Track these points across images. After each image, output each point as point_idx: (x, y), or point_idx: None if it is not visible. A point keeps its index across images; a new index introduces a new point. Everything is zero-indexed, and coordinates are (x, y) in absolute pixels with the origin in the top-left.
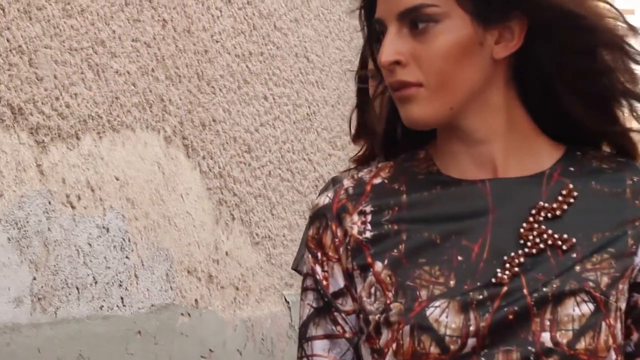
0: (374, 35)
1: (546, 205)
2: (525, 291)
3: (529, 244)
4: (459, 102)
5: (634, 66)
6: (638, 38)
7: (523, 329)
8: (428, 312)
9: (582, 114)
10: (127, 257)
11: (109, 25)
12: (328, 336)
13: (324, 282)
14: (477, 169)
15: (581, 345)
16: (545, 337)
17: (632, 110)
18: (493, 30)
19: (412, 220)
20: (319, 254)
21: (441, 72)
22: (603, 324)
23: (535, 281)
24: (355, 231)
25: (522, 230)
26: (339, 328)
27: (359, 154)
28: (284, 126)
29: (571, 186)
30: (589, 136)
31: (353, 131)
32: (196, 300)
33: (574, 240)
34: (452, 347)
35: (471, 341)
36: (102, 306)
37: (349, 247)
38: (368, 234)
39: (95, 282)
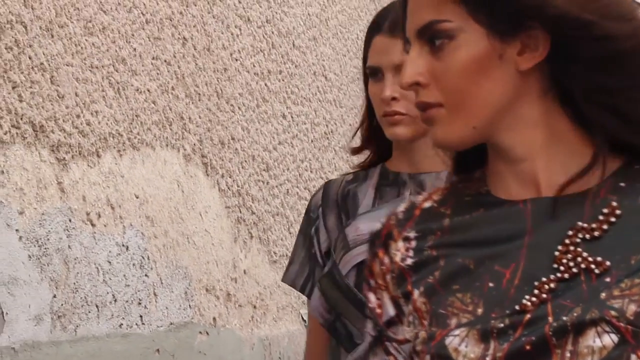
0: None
1: (585, 225)
2: (550, 319)
3: (562, 268)
4: (483, 121)
5: None
6: None
7: None
8: (447, 341)
9: (623, 125)
10: (146, 275)
11: (129, 43)
12: None
13: (378, 311)
14: (521, 188)
15: None
16: None
17: None
18: (513, 41)
19: (450, 245)
20: (372, 282)
21: (458, 90)
22: (633, 356)
23: (561, 309)
24: (398, 258)
25: (557, 253)
26: (391, 358)
27: (367, 160)
28: (302, 145)
29: (614, 204)
30: None
31: (359, 140)
32: (214, 319)
33: (607, 263)
34: None
35: None
36: (122, 324)
37: (394, 275)
38: (409, 261)
39: (115, 300)
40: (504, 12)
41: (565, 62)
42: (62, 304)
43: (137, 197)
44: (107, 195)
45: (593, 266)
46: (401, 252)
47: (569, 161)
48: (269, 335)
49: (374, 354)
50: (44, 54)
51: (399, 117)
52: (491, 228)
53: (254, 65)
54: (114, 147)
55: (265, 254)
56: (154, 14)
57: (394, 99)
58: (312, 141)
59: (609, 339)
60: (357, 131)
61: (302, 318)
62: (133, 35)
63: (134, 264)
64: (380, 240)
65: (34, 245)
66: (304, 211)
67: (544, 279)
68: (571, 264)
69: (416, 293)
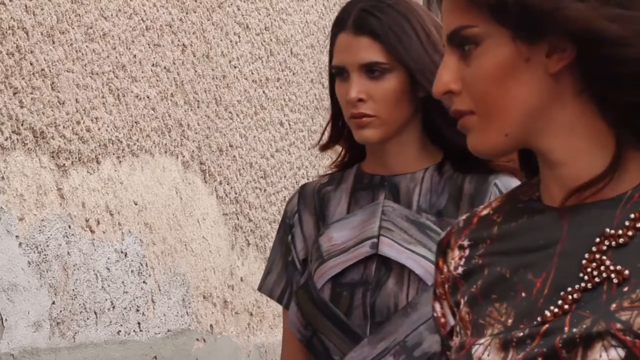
0: None
1: (612, 232)
2: (565, 330)
3: (586, 277)
4: (515, 127)
5: None
6: None
7: None
8: (473, 350)
9: None
10: (144, 282)
11: (129, 49)
12: None
13: (442, 320)
14: (562, 193)
15: None
16: None
17: None
18: (540, 43)
19: (494, 254)
20: (437, 290)
21: (487, 97)
22: None
23: (579, 320)
24: (452, 267)
25: (584, 262)
26: None
27: (339, 160)
28: (299, 152)
29: None
30: None
31: (326, 137)
32: (211, 326)
33: (626, 272)
34: None
35: None
36: (120, 331)
37: (449, 284)
38: (460, 270)
39: (113, 307)
40: (527, 16)
41: (593, 61)
42: (60, 311)
43: (135, 204)
44: (106, 201)
45: (613, 275)
46: (455, 260)
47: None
48: (265, 343)
49: None
50: (45, 60)
51: (366, 119)
52: (529, 236)
53: (252, 73)
54: (114, 154)
55: (262, 262)
56: (154, 21)
57: (360, 100)
58: (309, 149)
59: (616, 354)
60: (324, 131)
61: None
62: (133, 41)
63: (132, 271)
64: (441, 248)
65: (34, 252)
66: None
67: (569, 289)
68: (595, 272)
69: (462, 302)
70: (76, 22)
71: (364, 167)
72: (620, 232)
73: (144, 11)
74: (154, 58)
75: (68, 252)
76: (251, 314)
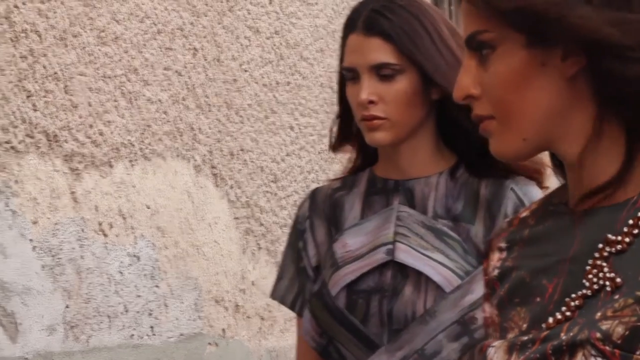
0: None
1: (613, 238)
2: (561, 336)
3: (587, 284)
4: (533, 132)
5: None
6: None
7: None
8: (488, 352)
9: None
10: (157, 285)
11: (141, 53)
12: None
13: (489, 320)
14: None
15: None
16: None
17: None
18: (554, 48)
19: (521, 257)
20: (486, 291)
21: (504, 102)
22: None
23: (574, 327)
24: (491, 268)
25: (587, 268)
26: None
27: (353, 165)
28: (309, 156)
29: None
30: None
31: (336, 139)
32: (223, 330)
33: (618, 280)
34: None
35: None
36: (133, 335)
37: (490, 286)
38: (496, 272)
39: (126, 311)
40: (537, 22)
41: (600, 66)
42: (74, 314)
43: (148, 208)
44: (119, 205)
45: (607, 283)
46: (494, 262)
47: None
48: (276, 347)
49: None
50: (57, 63)
51: (377, 121)
52: (550, 240)
53: (262, 77)
54: (126, 157)
55: (273, 266)
56: (166, 24)
57: (371, 102)
58: (319, 153)
59: None
60: (332, 131)
61: None
62: (145, 45)
63: (145, 275)
64: (487, 250)
65: (47, 255)
66: None
67: (573, 295)
68: (595, 279)
69: (493, 305)
70: (88, 25)
71: (376, 170)
72: (619, 237)
73: (156, 15)
74: (165, 62)
75: (81, 256)
76: (262, 318)
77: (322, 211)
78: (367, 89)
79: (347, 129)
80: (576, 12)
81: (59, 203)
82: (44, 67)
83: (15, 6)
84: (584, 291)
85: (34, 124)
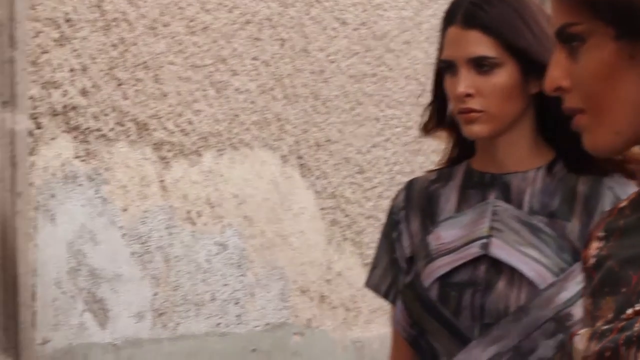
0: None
1: None
2: (635, 328)
3: None
4: (625, 125)
5: None
6: None
7: None
8: (574, 340)
9: None
10: (244, 275)
11: (230, 43)
12: None
13: (585, 309)
14: None
15: None
16: None
17: None
18: None
19: (614, 247)
20: (585, 281)
21: (593, 95)
22: None
23: None
24: (588, 257)
25: None
26: None
27: (449, 157)
28: (395, 148)
29: None
30: None
31: (429, 122)
32: (309, 320)
33: None
34: None
35: None
36: (220, 323)
37: (587, 275)
38: (592, 261)
39: (214, 299)
40: (627, 14)
41: None
42: (162, 302)
43: (235, 197)
44: (207, 194)
45: None
46: (591, 251)
47: None
48: (360, 338)
49: None
50: (147, 52)
51: (474, 114)
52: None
53: (349, 68)
54: (214, 147)
55: (358, 257)
56: (254, 15)
57: (468, 95)
58: (404, 145)
59: None
60: (424, 115)
61: None
62: (233, 35)
63: (232, 264)
64: (588, 239)
65: (137, 243)
66: None
67: None
68: None
69: (587, 294)
70: (178, 14)
71: (473, 164)
72: None
73: (244, 5)
74: (253, 52)
75: (170, 244)
76: (347, 309)
77: (418, 203)
78: (465, 82)
79: (441, 115)
80: None
81: (148, 191)
82: (134, 55)
83: None
84: None
85: (124, 112)
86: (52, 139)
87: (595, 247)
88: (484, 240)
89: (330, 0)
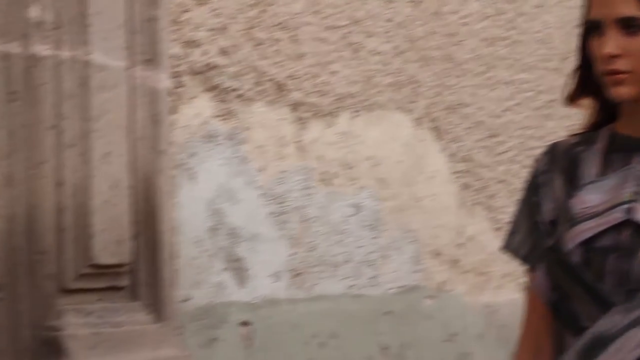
0: None
1: None
2: None
3: None
4: None
5: None
6: None
7: None
8: None
9: None
10: (377, 237)
11: (365, 4)
12: None
13: None
14: None
15: None
16: None
17: None
18: None
19: None
20: None
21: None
22: None
23: None
24: None
25: None
26: None
27: (592, 121)
28: (526, 112)
29: None
30: None
31: (570, 90)
32: (441, 284)
33: None
34: None
35: None
36: (354, 285)
37: None
38: None
39: (348, 261)
40: None
41: None
42: (298, 263)
43: (370, 159)
44: (343, 155)
45: None
46: None
47: None
48: (491, 303)
49: None
50: (285, 12)
51: (621, 75)
52: None
53: (481, 31)
54: (350, 108)
55: (490, 221)
56: None
57: (615, 56)
58: (535, 109)
59: None
60: (569, 83)
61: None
62: None
63: (366, 226)
64: None
65: (274, 203)
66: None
67: None
68: None
69: None
70: None
71: (617, 128)
72: None
73: None
74: (387, 14)
75: (306, 205)
76: (479, 273)
77: (561, 166)
78: (612, 43)
79: (586, 82)
80: None
81: (285, 151)
82: (272, 15)
83: None
84: None
85: (262, 72)
86: (192, 98)
87: None
88: (628, 205)
89: None
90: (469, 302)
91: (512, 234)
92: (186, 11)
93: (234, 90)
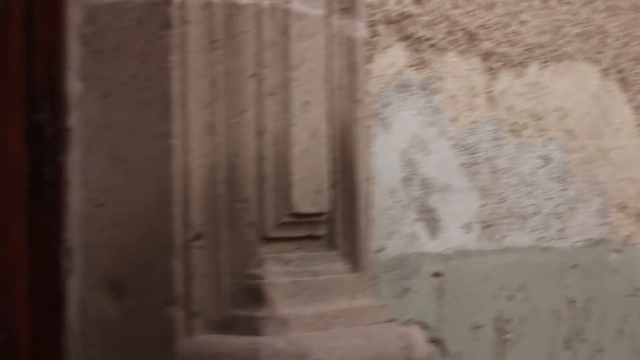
0: None
1: None
2: None
3: None
4: None
5: None
6: None
7: None
8: None
9: None
10: (566, 189)
11: None
12: None
13: None
14: None
15: None
16: None
17: None
18: None
19: None
20: None
21: None
22: None
23: None
24: None
25: None
26: None
27: None
28: None
29: None
30: None
31: None
32: (626, 237)
33: None
34: None
35: None
36: (542, 237)
37: None
38: None
39: (536, 213)
40: None
41: None
42: (489, 214)
43: (558, 110)
44: (532, 106)
45: None
46: None
47: None
48: None
49: None
50: None
51: None
52: None
53: None
54: (538, 59)
55: None
56: None
57: None
58: None
59: None
60: None
61: None
62: None
63: (554, 178)
64: None
65: (465, 154)
66: None
67: None
68: None
69: None
70: None
71: None
72: None
73: None
74: None
75: (496, 156)
76: None
77: None
78: None
79: None
80: None
81: (476, 102)
82: None
83: None
84: None
85: (454, 22)
86: (387, 47)
87: None
88: None
89: None
90: None
91: None
92: None
93: (427, 39)
